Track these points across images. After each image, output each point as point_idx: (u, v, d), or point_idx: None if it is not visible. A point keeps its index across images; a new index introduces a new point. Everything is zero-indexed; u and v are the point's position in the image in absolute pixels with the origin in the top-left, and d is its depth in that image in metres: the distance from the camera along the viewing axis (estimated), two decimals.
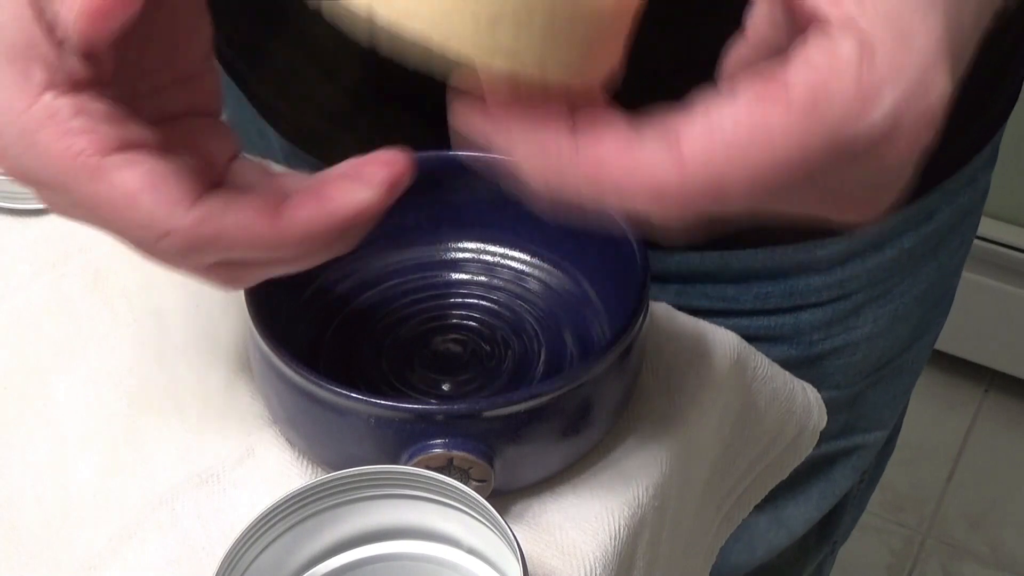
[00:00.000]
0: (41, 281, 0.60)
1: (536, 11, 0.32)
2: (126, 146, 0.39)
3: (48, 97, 0.38)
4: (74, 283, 0.60)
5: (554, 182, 0.33)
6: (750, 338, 0.59)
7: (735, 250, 0.61)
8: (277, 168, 0.46)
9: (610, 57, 0.36)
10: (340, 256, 0.55)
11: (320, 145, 0.64)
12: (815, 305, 0.64)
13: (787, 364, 0.61)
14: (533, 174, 0.34)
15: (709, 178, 0.32)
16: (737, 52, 0.38)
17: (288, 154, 0.68)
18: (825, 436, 0.65)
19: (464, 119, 0.35)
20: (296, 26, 0.61)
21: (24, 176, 0.40)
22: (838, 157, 0.32)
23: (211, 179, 0.41)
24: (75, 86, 0.39)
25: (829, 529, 0.80)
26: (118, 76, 0.40)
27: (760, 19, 0.37)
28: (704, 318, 0.59)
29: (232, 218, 0.39)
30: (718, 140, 0.31)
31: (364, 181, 0.41)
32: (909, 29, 0.31)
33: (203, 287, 0.59)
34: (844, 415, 0.67)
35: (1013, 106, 0.67)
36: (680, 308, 0.60)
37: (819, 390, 0.62)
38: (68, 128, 0.38)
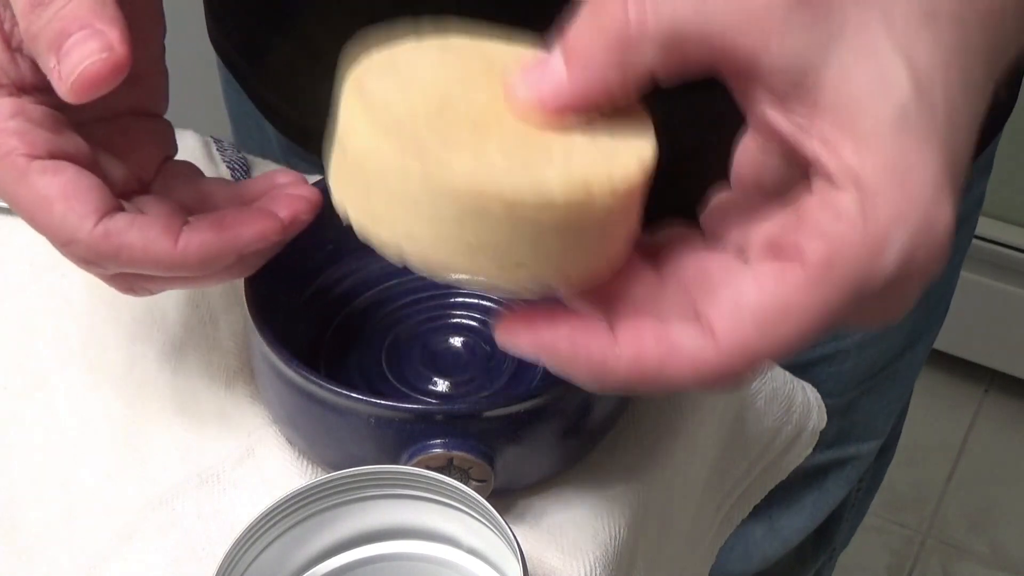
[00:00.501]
0: (41, 281, 0.60)
1: (542, 240, 0.35)
2: (54, 153, 0.41)
3: None
4: (74, 283, 0.60)
5: (601, 380, 0.36)
6: None
7: None
8: (207, 172, 0.49)
9: (622, 242, 0.37)
10: (340, 256, 0.56)
11: (318, 142, 0.64)
12: None
13: None
14: (582, 377, 0.36)
15: (744, 352, 0.34)
16: (721, 198, 0.39)
17: (286, 150, 0.68)
18: (818, 445, 0.65)
19: (505, 338, 0.37)
20: (296, 25, 0.61)
21: None
22: (859, 304, 0.34)
23: (133, 188, 0.45)
24: (20, 89, 0.42)
25: (826, 538, 0.80)
26: None
27: (748, 164, 0.38)
28: None
29: (134, 236, 0.41)
30: (747, 318, 0.34)
31: (266, 213, 0.44)
32: (908, 173, 0.32)
33: (203, 287, 0.59)
34: (836, 424, 0.67)
35: (1008, 116, 0.67)
36: None
37: None
38: (3, 127, 0.41)
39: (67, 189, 0.41)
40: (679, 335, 0.34)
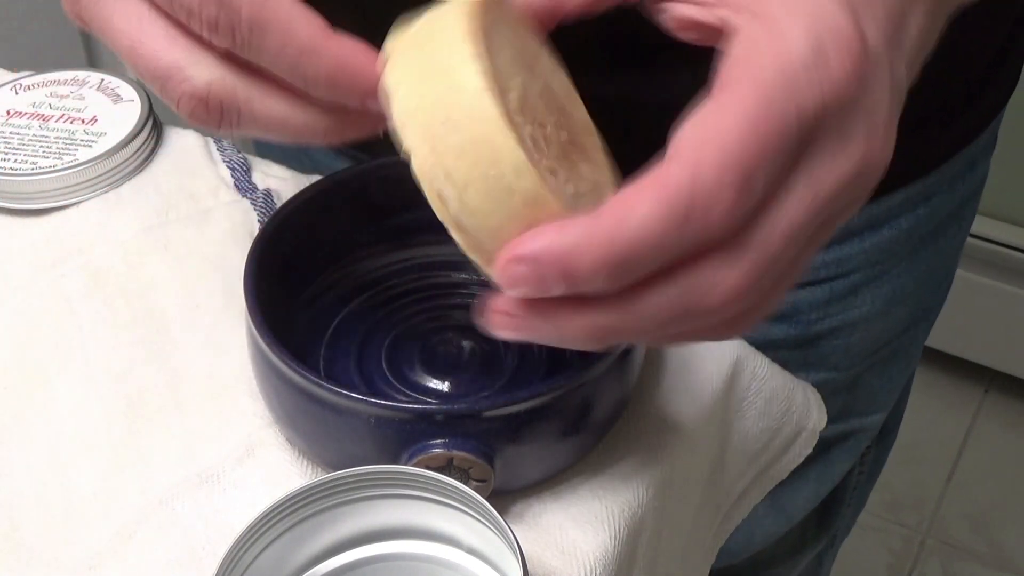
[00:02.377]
0: (41, 281, 0.60)
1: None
2: None
3: None
4: (74, 283, 0.60)
5: (575, 267, 0.35)
6: None
7: None
8: None
9: None
10: (340, 256, 0.56)
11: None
12: (812, 283, 0.65)
13: (785, 344, 0.61)
14: (556, 280, 0.35)
15: (714, 164, 0.34)
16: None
17: (286, 145, 0.69)
18: None
19: (484, 323, 0.38)
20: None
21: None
22: (801, 104, 0.35)
23: None
24: None
25: (828, 519, 0.80)
26: None
27: None
28: None
29: (293, 12, 0.38)
30: (699, 138, 0.34)
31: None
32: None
33: (203, 287, 0.59)
34: (842, 398, 0.68)
35: (1012, 91, 0.67)
36: None
37: (817, 372, 0.62)
38: None
39: None
40: (643, 178, 0.35)
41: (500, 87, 0.37)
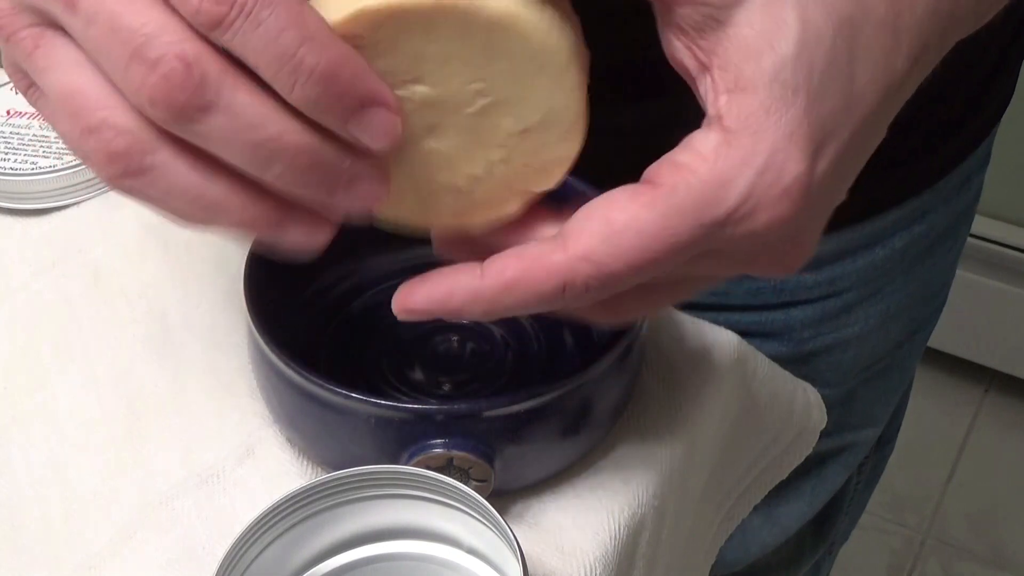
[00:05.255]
0: (41, 281, 0.60)
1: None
2: None
3: None
4: (74, 283, 0.60)
5: (475, 305, 0.40)
6: (742, 333, 0.59)
7: None
8: None
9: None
10: (340, 256, 0.56)
11: None
12: (805, 302, 0.65)
13: (779, 361, 0.61)
14: (460, 310, 0.40)
15: (588, 257, 0.37)
16: None
17: None
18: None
19: (403, 305, 0.42)
20: None
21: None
22: (709, 233, 0.37)
23: None
24: None
25: (825, 529, 0.80)
26: None
27: None
28: (695, 312, 0.59)
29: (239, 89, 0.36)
30: (594, 227, 0.37)
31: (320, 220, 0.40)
32: (765, 123, 0.36)
33: (203, 287, 0.59)
34: (836, 413, 0.68)
35: (1005, 108, 0.67)
36: None
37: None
38: None
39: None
40: (536, 249, 0.38)
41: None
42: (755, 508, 0.68)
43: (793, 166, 0.37)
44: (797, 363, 0.66)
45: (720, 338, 0.57)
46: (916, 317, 0.71)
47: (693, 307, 0.62)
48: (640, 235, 0.37)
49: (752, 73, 0.36)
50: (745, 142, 0.36)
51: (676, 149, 0.38)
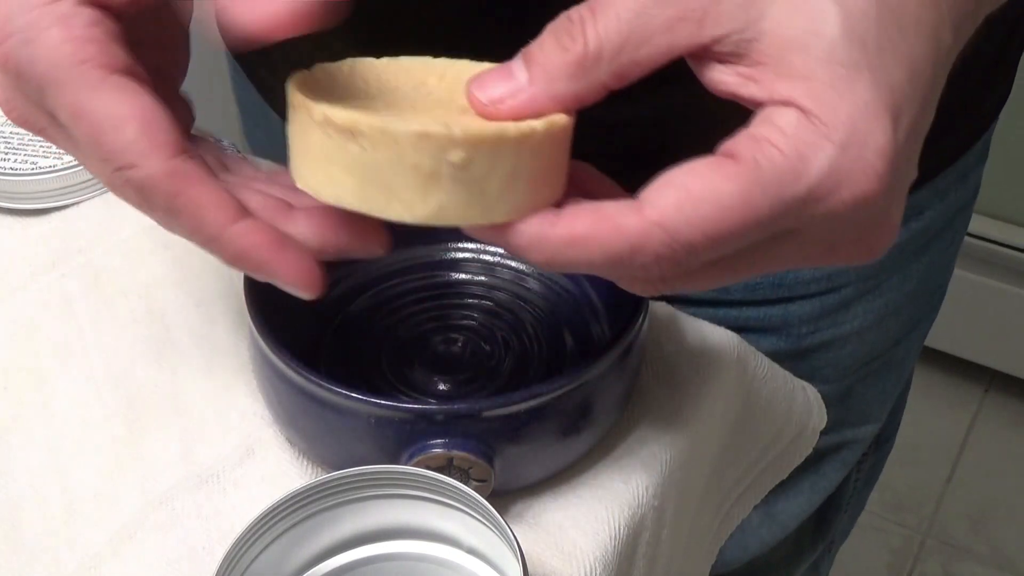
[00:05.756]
0: (41, 281, 0.60)
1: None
2: (130, 72, 0.39)
3: (71, 0, 0.39)
4: (74, 283, 0.60)
5: (539, 251, 0.38)
6: (740, 329, 0.59)
7: None
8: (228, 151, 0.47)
9: (550, 189, 0.40)
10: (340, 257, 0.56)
11: None
12: (804, 297, 0.65)
13: (777, 356, 0.61)
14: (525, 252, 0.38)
15: (663, 224, 0.36)
16: None
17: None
18: None
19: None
20: None
21: (8, 66, 0.40)
22: (789, 210, 0.36)
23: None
24: (97, 2, 0.39)
25: (824, 527, 0.80)
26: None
27: None
28: (694, 308, 0.60)
29: (200, 192, 0.39)
30: (672, 194, 0.36)
31: (310, 263, 0.41)
32: (839, 98, 0.35)
33: (203, 287, 0.59)
34: (834, 410, 0.68)
35: (1003, 104, 0.67)
36: (670, 299, 0.61)
37: (809, 384, 0.62)
38: (82, 35, 0.38)
39: (145, 112, 0.38)
40: (613, 208, 0.37)
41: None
42: (754, 506, 0.68)
43: (876, 138, 0.36)
44: (795, 359, 0.66)
45: (720, 338, 0.57)
46: (914, 313, 0.71)
47: (690, 302, 0.63)
48: (718, 206, 0.35)
49: (804, 62, 0.36)
50: (824, 116, 0.35)
51: (754, 123, 0.37)
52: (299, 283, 0.40)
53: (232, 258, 0.40)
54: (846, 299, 0.65)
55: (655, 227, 0.36)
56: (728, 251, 0.37)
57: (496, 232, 0.38)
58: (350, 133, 0.37)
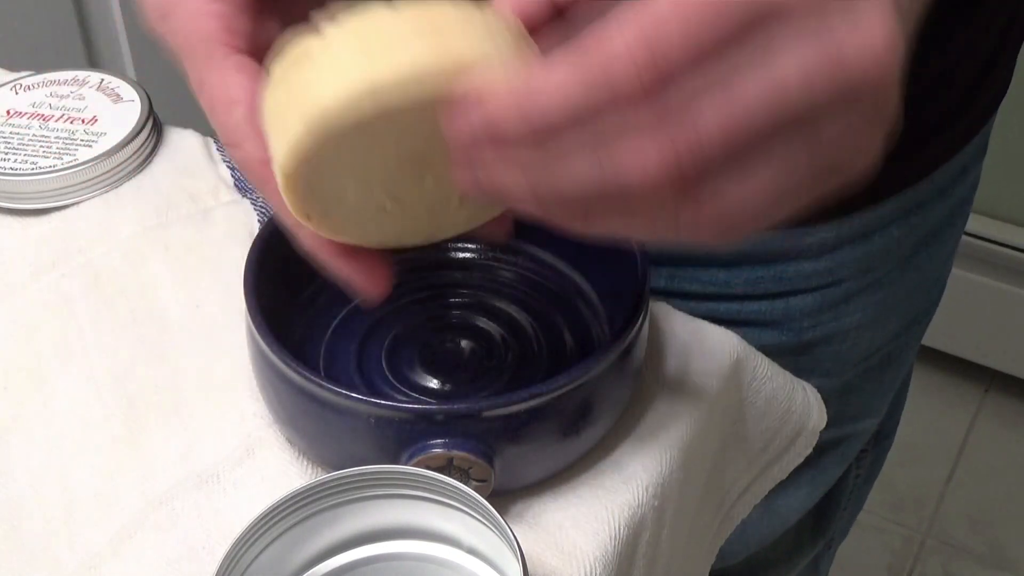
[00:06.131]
0: (41, 281, 0.60)
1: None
2: (250, 46, 0.41)
3: None
4: (74, 283, 0.60)
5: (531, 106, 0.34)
6: (741, 323, 0.59)
7: None
8: None
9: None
10: None
11: None
12: (805, 291, 0.65)
13: (778, 350, 0.61)
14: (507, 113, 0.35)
15: (643, 30, 0.32)
16: None
17: None
18: None
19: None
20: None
21: (163, 33, 0.43)
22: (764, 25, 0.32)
23: None
24: None
25: (824, 522, 0.80)
26: None
27: None
28: (695, 302, 0.60)
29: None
30: (634, 15, 0.32)
31: (382, 274, 0.43)
32: None
33: (203, 287, 0.59)
34: (834, 405, 0.68)
35: (1002, 98, 0.67)
36: (671, 293, 0.61)
37: (808, 378, 0.63)
38: (206, 9, 0.41)
39: (255, 97, 0.40)
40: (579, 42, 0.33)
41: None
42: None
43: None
44: (797, 353, 0.66)
45: (720, 338, 0.57)
46: (914, 308, 0.71)
47: (693, 296, 0.63)
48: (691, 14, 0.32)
49: None
50: None
51: None
52: (361, 286, 0.42)
53: (306, 251, 0.42)
54: (847, 292, 0.66)
55: (629, 29, 0.32)
56: (714, 56, 0.32)
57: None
58: None
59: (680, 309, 0.59)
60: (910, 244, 0.66)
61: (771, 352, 0.60)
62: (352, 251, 0.43)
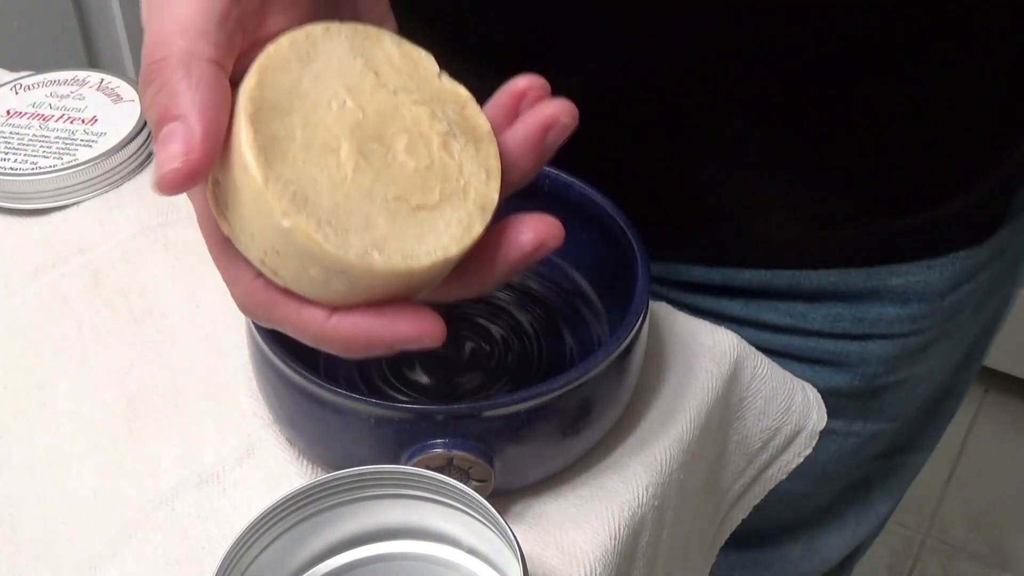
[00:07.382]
0: (41, 281, 0.60)
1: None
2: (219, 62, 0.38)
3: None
4: (74, 283, 0.60)
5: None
6: (815, 360, 0.57)
7: (806, 270, 0.59)
8: None
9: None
10: None
11: None
12: (884, 337, 0.61)
13: (847, 394, 0.59)
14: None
15: None
16: None
17: None
18: (867, 457, 0.64)
19: None
20: None
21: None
22: None
23: None
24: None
25: (849, 564, 0.78)
26: None
27: None
28: (771, 333, 0.58)
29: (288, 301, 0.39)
30: None
31: (429, 315, 0.39)
32: None
33: (203, 287, 0.59)
34: (887, 438, 0.66)
35: None
36: (745, 322, 0.59)
37: (876, 422, 0.61)
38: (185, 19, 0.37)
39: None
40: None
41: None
42: (796, 540, 0.66)
43: None
44: (866, 397, 0.63)
45: (719, 338, 0.57)
46: (979, 344, 0.69)
47: (768, 327, 0.61)
48: None
49: None
50: None
51: None
52: (420, 338, 0.39)
53: (344, 348, 0.39)
54: (928, 341, 0.62)
55: None
56: None
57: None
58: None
59: (752, 342, 0.57)
60: (989, 285, 0.63)
61: (840, 395, 0.58)
62: (388, 307, 0.39)
